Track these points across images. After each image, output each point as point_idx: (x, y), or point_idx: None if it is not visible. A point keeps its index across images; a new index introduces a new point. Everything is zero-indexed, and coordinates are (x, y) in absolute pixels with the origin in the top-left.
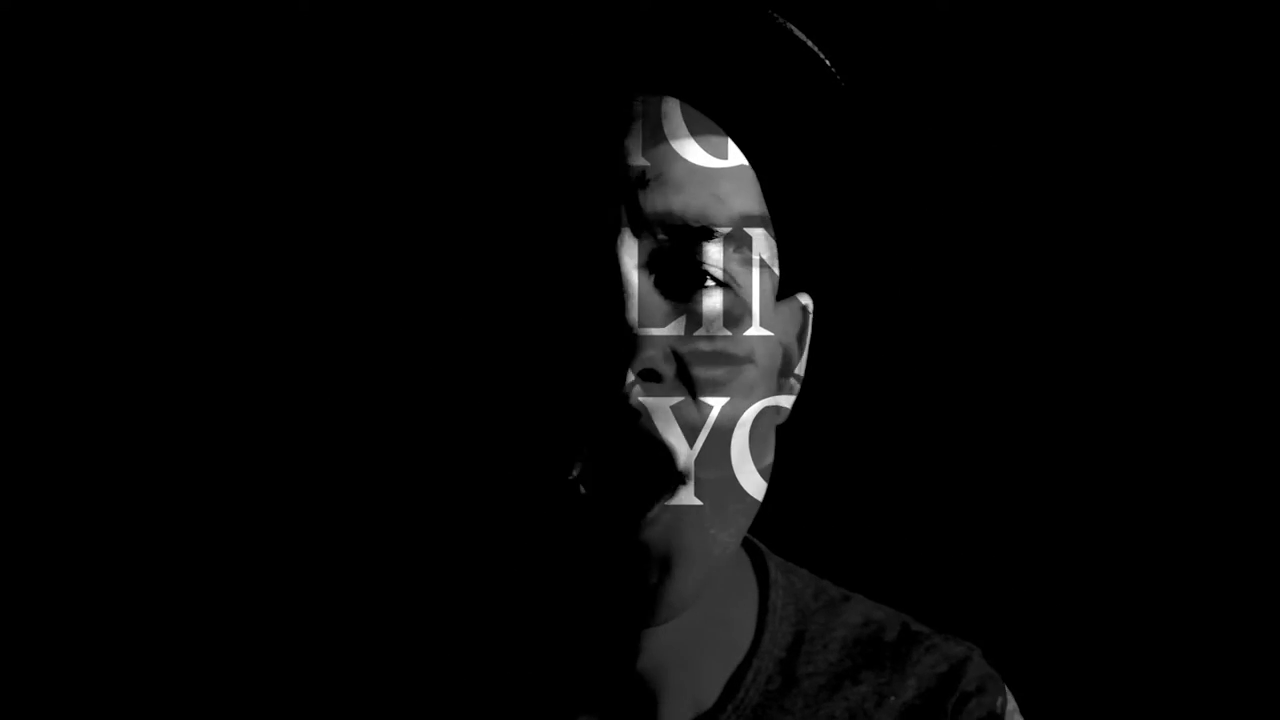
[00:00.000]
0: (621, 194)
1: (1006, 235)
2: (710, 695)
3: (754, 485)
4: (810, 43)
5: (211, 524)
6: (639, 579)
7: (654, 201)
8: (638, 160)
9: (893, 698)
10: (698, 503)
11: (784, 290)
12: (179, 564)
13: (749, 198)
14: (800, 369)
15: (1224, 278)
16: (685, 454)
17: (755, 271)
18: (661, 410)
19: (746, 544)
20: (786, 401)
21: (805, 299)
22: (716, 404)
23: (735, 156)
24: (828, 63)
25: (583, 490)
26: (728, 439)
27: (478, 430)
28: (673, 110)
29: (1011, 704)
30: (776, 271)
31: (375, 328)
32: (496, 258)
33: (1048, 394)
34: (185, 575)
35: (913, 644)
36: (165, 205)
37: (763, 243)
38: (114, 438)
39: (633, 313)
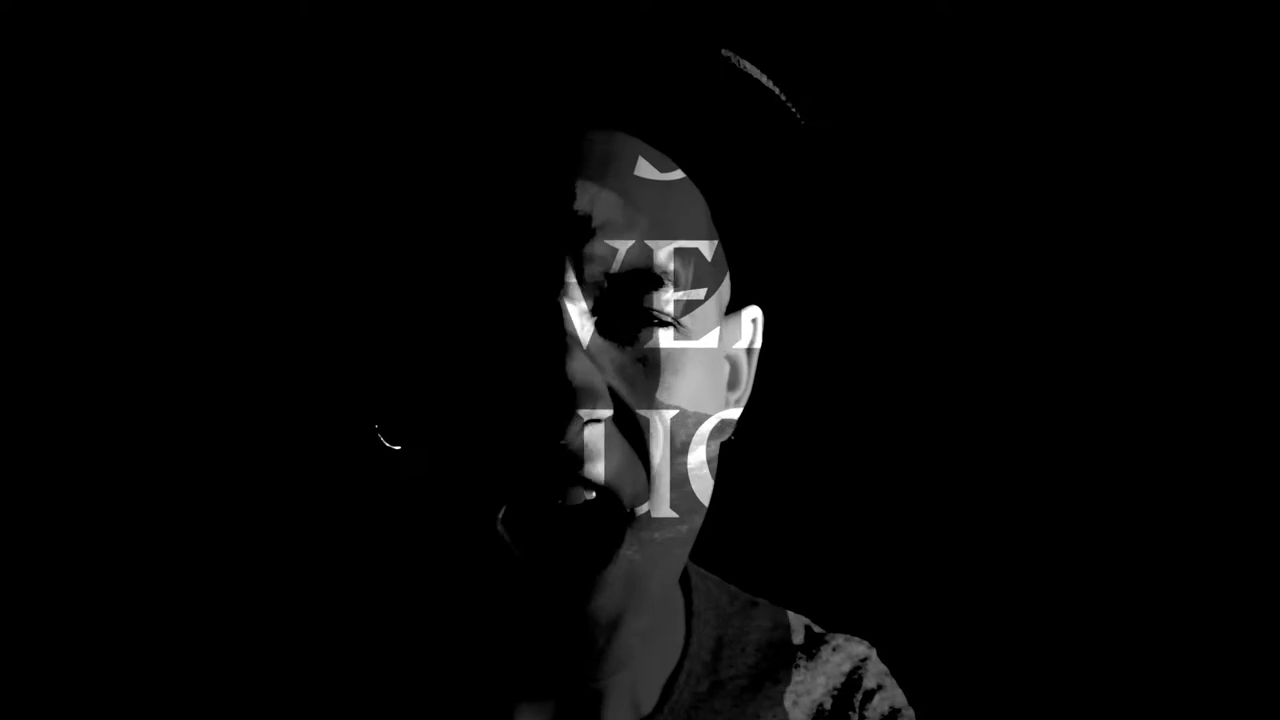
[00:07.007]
0: (566, 243)
1: (960, 255)
2: (649, 699)
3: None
4: (766, 80)
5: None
6: (586, 643)
7: (597, 249)
8: (584, 206)
9: (807, 696)
10: (638, 558)
11: (736, 301)
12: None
13: (696, 226)
14: (747, 384)
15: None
16: (631, 489)
17: (702, 305)
18: (594, 443)
19: None
20: (733, 414)
21: (755, 311)
22: (662, 425)
23: (681, 189)
24: (785, 99)
25: (518, 553)
26: (678, 462)
27: (416, 476)
28: (620, 149)
29: (902, 697)
30: (726, 291)
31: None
32: (440, 301)
33: (983, 409)
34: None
35: (819, 644)
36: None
37: (707, 268)
38: (99, 439)
39: (574, 363)
